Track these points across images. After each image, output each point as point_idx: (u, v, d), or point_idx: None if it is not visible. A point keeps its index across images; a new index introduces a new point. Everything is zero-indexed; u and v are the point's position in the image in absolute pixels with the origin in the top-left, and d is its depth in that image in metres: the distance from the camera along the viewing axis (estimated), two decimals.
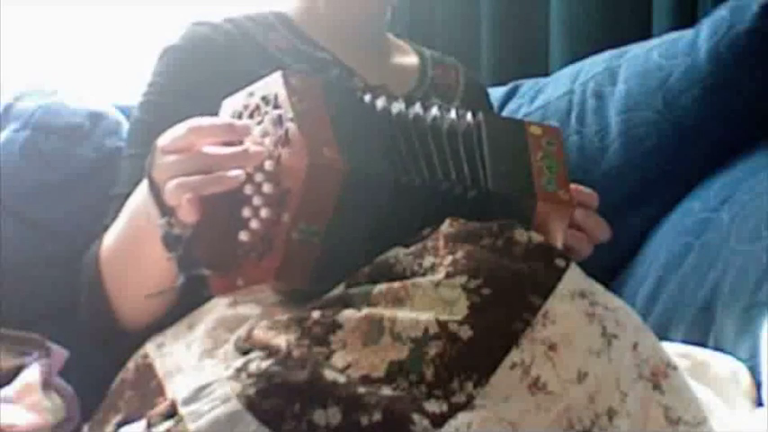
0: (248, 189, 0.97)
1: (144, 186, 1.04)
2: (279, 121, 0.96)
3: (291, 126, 0.95)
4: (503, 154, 1.07)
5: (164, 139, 1.00)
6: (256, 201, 0.96)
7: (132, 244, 1.12)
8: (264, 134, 0.97)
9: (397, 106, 1.05)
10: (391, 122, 1.04)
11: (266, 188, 0.96)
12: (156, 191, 0.99)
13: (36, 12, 1.92)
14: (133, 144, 1.27)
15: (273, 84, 0.99)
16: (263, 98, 0.99)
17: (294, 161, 0.94)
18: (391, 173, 1.00)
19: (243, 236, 0.97)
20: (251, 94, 1.00)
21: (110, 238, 1.16)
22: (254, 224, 0.96)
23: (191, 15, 1.33)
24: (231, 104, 1.03)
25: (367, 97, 1.04)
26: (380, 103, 1.04)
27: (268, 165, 0.96)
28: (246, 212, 0.97)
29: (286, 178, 0.95)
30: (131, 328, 1.16)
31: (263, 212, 0.96)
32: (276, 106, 0.97)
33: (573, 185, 1.14)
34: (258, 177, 0.96)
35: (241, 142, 0.97)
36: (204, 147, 0.98)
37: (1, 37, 1.80)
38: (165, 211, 0.98)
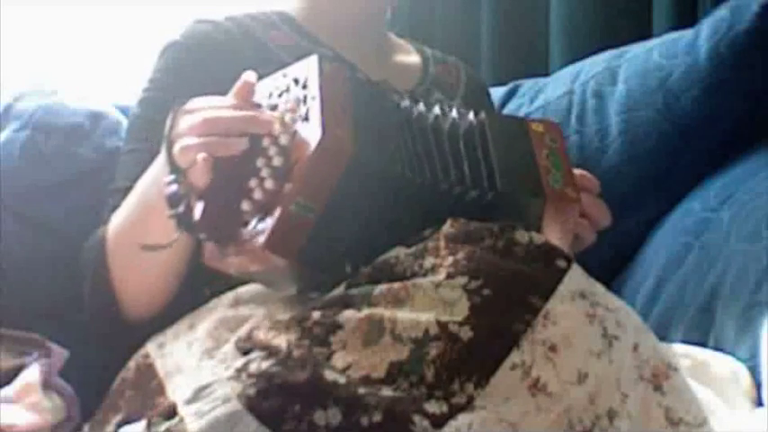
0: (260, 162, 0.98)
1: (156, 164, 1.05)
2: (303, 100, 0.99)
3: (313, 105, 0.97)
4: (509, 154, 1.07)
5: (190, 105, 1.02)
6: (264, 172, 0.98)
7: (138, 220, 1.12)
8: (288, 111, 0.99)
9: (404, 103, 1.06)
10: (400, 119, 1.04)
11: (276, 161, 0.97)
12: (168, 148, 1.01)
13: (36, 12, 1.92)
14: (132, 139, 1.27)
15: (306, 67, 1.01)
16: (295, 79, 1.01)
17: (307, 137, 0.96)
18: (396, 168, 1.01)
19: (245, 205, 0.98)
20: (284, 75, 1.03)
21: (117, 220, 1.16)
22: (257, 194, 0.97)
23: (191, 15, 1.33)
24: (264, 84, 1.04)
25: (390, 95, 1.06)
26: (395, 100, 1.06)
27: (283, 139, 0.98)
28: (253, 183, 0.98)
29: (296, 152, 0.96)
30: (133, 317, 1.16)
31: (268, 183, 0.97)
32: (305, 87, 1.00)
33: (578, 171, 1.14)
34: (272, 151, 0.98)
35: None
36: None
37: (1, 37, 1.80)
38: (174, 169, 1.00)
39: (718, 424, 0.98)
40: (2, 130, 1.47)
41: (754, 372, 1.09)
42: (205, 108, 1.01)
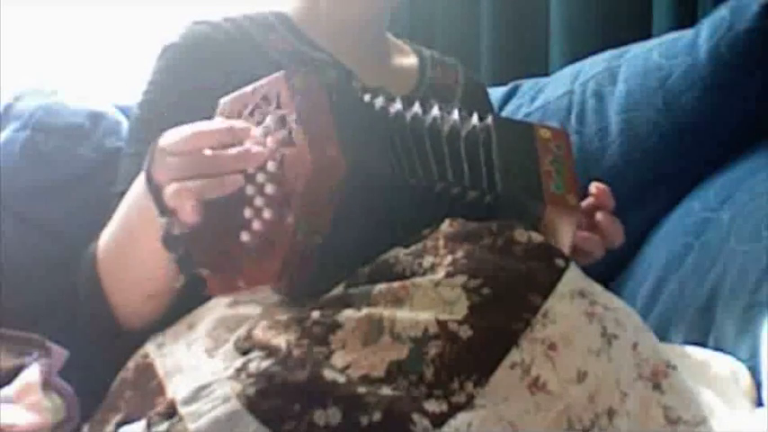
0: (250, 189, 0.97)
1: (139, 184, 1.04)
2: (282, 121, 0.96)
3: (295, 127, 0.95)
4: (512, 157, 1.07)
5: (165, 140, 1.00)
6: (258, 201, 0.96)
7: (127, 243, 1.12)
8: (267, 134, 0.97)
9: (396, 106, 1.05)
10: (389, 122, 1.04)
11: (269, 189, 0.96)
12: (155, 191, 0.99)
13: (36, 12, 1.92)
14: (133, 142, 1.27)
15: (275, 83, 0.98)
16: (264, 97, 0.99)
17: (298, 163, 0.95)
18: (389, 172, 1.00)
19: (245, 236, 0.97)
20: (252, 93, 1.00)
21: (105, 237, 1.16)
22: (256, 225, 0.96)
23: (191, 15, 1.33)
24: (231, 102, 1.02)
25: (366, 97, 1.04)
26: (379, 102, 1.05)
27: (271, 165, 0.96)
28: (248, 213, 0.97)
29: (289, 179, 0.95)
30: (130, 328, 1.16)
31: (266, 213, 0.96)
32: (278, 106, 0.97)
33: (599, 184, 1.14)
34: (260, 178, 0.96)
35: (241, 142, 0.97)
36: (205, 149, 0.97)
37: (1, 37, 1.80)
38: (165, 211, 0.98)
39: (718, 424, 0.97)
40: (2, 130, 1.47)
41: (754, 372, 1.09)
42: (186, 140, 0.98)
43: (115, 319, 1.16)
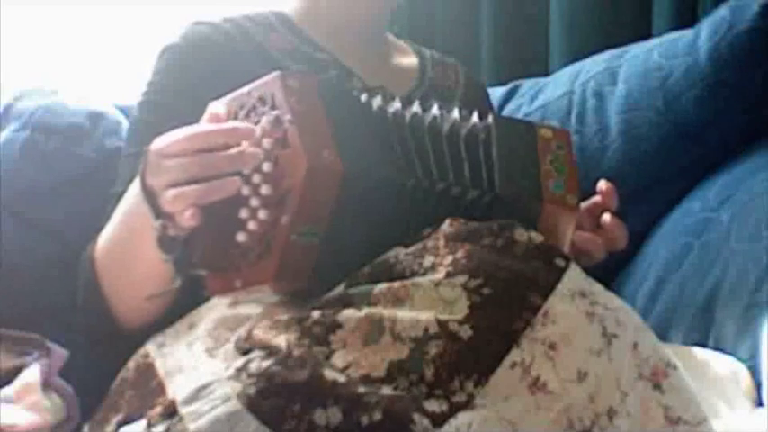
0: (246, 190, 0.97)
1: (136, 187, 1.03)
2: (277, 122, 0.96)
3: (290, 128, 0.95)
4: (512, 156, 1.07)
5: (158, 144, 0.99)
6: (254, 202, 0.96)
7: (126, 245, 1.12)
8: (263, 135, 0.97)
9: (394, 106, 1.05)
10: (387, 122, 1.04)
11: (264, 190, 0.96)
12: (150, 195, 0.99)
13: (36, 12, 1.92)
14: (133, 143, 1.27)
15: (271, 84, 0.98)
16: (260, 98, 0.98)
17: (293, 164, 0.94)
18: (387, 173, 1.00)
19: (241, 237, 0.97)
20: (247, 94, 1.00)
21: (103, 240, 1.16)
22: (251, 225, 0.96)
23: (191, 15, 1.33)
24: (228, 102, 1.02)
25: (363, 97, 1.04)
26: (376, 102, 1.05)
27: (266, 166, 0.96)
28: (244, 214, 0.97)
29: (285, 180, 0.95)
30: (129, 329, 1.16)
31: (262, 214, 0.96)
32: (273, 107, 0.97)
33: (607, 183, 1.15)
34: (256, 179, 0.96)
35: (237, 144, 0.97)
36: (199, 152, 0.97)
37: (1, 37, 1.80)
38: (160, 214, 0.98)
39: (718, 424, 0.98)
40: (2, 130, 1.47)
41: (754, 372, 1.09)
42: (180, 143, 0.97)
43: (114, 320, 1.16)
